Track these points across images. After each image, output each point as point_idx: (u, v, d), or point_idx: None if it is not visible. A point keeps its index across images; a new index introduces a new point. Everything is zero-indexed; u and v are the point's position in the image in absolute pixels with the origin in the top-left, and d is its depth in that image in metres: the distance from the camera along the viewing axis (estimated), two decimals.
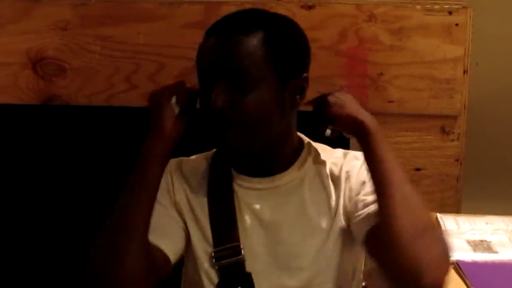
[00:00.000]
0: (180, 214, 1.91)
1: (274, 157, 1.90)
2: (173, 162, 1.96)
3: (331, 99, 1.84)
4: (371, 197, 1.80)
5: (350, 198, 1.89)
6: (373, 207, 1.77)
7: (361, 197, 1.85)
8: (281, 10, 2.71)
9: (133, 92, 2.84)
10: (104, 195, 3.01)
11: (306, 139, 2.01)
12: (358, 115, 1.82)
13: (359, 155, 1.88)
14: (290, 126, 1.91)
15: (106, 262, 1.74)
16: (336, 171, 1.94)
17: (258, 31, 1.79)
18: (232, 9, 2.72)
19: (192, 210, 1.92)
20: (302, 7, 2.80)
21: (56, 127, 3.01)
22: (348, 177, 1.92)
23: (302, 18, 2.74)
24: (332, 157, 1.98)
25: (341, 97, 1.86)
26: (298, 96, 1.87)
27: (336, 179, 1.93)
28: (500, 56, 3.20)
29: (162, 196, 1.87)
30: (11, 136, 3.04)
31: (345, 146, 2.18)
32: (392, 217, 1.65)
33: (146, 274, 1.73)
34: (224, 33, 1.80)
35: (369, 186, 1.81)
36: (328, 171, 1.94)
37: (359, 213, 1.82)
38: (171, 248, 1.86)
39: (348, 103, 1.85)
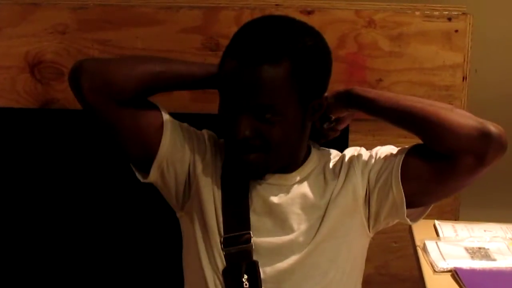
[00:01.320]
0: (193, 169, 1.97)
1: (287, 163, 1.93)
2: (211, 134, 2.03)
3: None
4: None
5: (362, 174, 1.95)
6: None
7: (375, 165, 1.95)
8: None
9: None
10: (102, 198, 3.02)
11: (312, 143, 2.04)
12: (341, 89, 1.97)
13: (359, 148, 2.02)
14: (306, 137, 1.94)
15: (106, 64, 1.89)
16: (338, 164, 2.00)
17: (285, 60, 1.76)
18: (231, 14, 2.75)
19: (202, 186, 1.95)
20: (301, 12, 2.79)
21: (54, 131, 3.00)
22: (351, 161, 1.98)
23: None
24: (333, 155, 2.04)
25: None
26: (317, 113, 1.88)
27: (337, 171, 1.98)
28: (499, 62, 3.19)
29: (193, 136, 1.99)
30: (9, 140, 3.03)
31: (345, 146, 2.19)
32: (434, 117, 1.84)
33: (133, 96, 1.87)
34: (250, 60, 1.76)
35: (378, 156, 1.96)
36: (330, 166, 1.99)
37: (382, 165, 1.94)
38: (169, 137, 1.94)
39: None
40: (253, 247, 1.86)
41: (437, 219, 2.55)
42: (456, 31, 2.78)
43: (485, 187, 3.22)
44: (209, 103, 2.45)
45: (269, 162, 1.83)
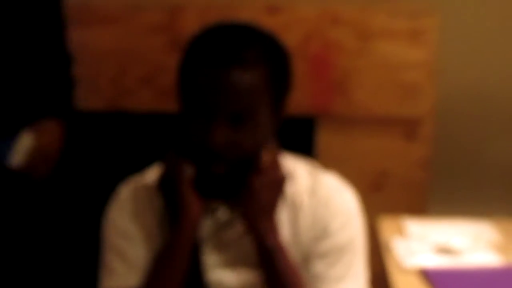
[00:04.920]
0: None
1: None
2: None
3: (255, 184, 1.67)
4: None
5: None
6: None
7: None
8: (245, 13, 2.70)
9: (94, 95, 2.81)
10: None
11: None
12: (261, 228, 1.68)
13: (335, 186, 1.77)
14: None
15: None
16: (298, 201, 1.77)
17: (260, 64, 1.69)
18: (195, 14, 2.73)
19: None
20: (266, 10, 2.79)
21: None
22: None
23: (266, 22, 2.71)
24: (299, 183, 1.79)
25: (263, 191, 1.68)
26: (284, 113, 1.79)
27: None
28: (466, 59, 3.19)
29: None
30: None
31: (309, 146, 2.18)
32: None
33: None
34: (222, 66, 1.63)
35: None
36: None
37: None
38: None
39: (265, 201, 1.69)
40: None
41: (405, 215, 2.55)
42: (422, 28, 2.79)
43: (453, 183, 3.25)
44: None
45: (240, 169, 1.73)
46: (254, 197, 1.66)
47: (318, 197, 1.72)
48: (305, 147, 2.90)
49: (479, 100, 3.25)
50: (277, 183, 1.68)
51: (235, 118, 1.63)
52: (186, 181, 1.69)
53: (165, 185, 1.72)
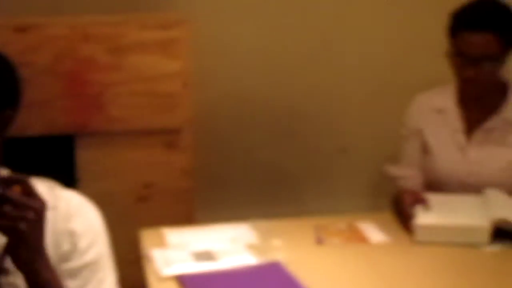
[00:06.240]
0: None
1: None
2: None
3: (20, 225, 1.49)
4: None
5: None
6: None
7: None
8: None
9: None
10: None
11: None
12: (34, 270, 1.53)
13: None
14: None
15: None
16: None
17: None
18: None
19: None
20: (15, 30, 2.73)
21: None
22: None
23: (15, 41, 2.68)
24: None
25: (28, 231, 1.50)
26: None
27: None
28: (223, 67, 3.28)
29: None
30: None
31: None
32: None
33: None
34: None
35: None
36: None
37: None
38: None
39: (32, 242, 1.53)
40: None
41: (171, 225, 2.56)
42: (174, 39, 2.83)
43: (219, 190, 3.33)
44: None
45: None
46: (19, 244, 1.50)
47: (59, 215, 1.68)
48: (66, 165, 2.87)
49: (240, 107, 3.35)
50: (38, 217, 1.51)
51: None
52: None
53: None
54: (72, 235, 1.69)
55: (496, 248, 2.35)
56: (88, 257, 1.70)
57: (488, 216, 2.38)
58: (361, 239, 2.43)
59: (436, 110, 2.75)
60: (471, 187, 2.66)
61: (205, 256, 2.24)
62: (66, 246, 1.67)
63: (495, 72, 2.59)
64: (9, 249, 1.51)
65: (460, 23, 2.58)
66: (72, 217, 1.69)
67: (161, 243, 2.37)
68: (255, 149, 3.42)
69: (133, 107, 2.85)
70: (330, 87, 3.45)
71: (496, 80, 2.64)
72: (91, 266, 1.71)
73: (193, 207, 3.00)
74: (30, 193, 1.50)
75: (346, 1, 3.37)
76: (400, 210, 2.55)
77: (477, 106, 2.69)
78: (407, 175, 2.76)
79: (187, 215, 2.97)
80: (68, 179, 2.83)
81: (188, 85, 2.89)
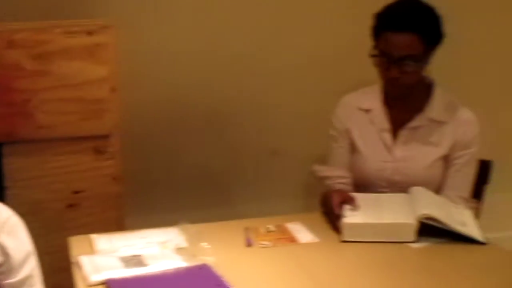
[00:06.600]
0: None
1: None
2: None
3: None
4: None
5: None
6: None
7: None
8: None
9: None
10: None
11: None
12: None
13: None
14: None
15: None
16: None
17: None
18: None
19: None
20: None
21: None
22: None
23: None
24: None
25: None
26: None
27: None
28: (149, 71, 3.27)
29: None
30: None
31: None
32: None
33: None
34: None
35: None
36: None
37: None
38: None
39: None
40: None
41: (102, 231, 2.54)
42: (99, 44, 2.81)
43: (149, 195, 3.32)
44: None
45: None
46: None
47: None
48: None
49: (168, 111, 3.35)
50: None
51: None
52: None
53: None
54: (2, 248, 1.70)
55: (422, 244, 2.39)
56: (23, 273, 1.71)
57: (414, 214, 2.42)
58: (290, 239, 2.45)
59: (363, 110, 2.80)
60: (398, 185, 2.71)
61: (134, 261, 2.23)
62: None
63: (419, 72, 2.64)
64: None
65: (383, 24, 2.62)
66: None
67: (90, 250, 2.36)
68: (185, 152, 3.42)
69: (61, 113, 2.82)
70: (260, 89, 3.47)
71: (420, 80, 2.69)
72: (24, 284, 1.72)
73: (123, 212, 2.99)
74: None
75: (274, 3, 3.39)
76: (329, 210, 2.58)
77: (402, 106, 2.74)
78: (335, 175, 2.80)
79: (118, 221, 2.95)
80: None
81: (115, 90, 2.87)
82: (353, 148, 2.81)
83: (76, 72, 2.81)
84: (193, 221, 2.49)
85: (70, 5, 3.02)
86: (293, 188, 3.60)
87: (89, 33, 2.80)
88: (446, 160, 2.73)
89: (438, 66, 2.70)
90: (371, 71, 2.66)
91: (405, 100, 2.73)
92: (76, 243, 2.42)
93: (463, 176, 2.74)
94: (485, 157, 2.92)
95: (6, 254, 1.74)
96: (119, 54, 2.88)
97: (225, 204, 3.49)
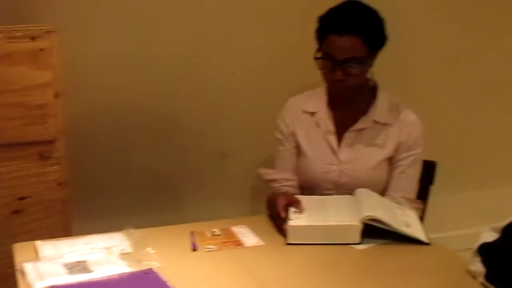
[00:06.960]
0: None
1: None
2: None
3: None
4: None
5: None
6: None
7: None
8: None
9: None
10: None
11: None
12: None
13: None
14: None
15: None
16: None
17: None
18: None
19: None
20: None
21: None
22: None
23: None
24: None
25: None
26: None
27: None
28: (94, 76, 3.26)
29: None
30: None
31: None
32: None
33: None
34: None
35: None
36: None
37: None
38: None
39: None
40: None
41: (49, 238, 2.52)
42: (42, 49, 2.79)
43: (95, 200, 3.31)
44: None
45: None
46: None
47: None
48: None
49: (115, 115, 3.33)
50: None
51: None
52: None
53: None
54: None
55: (367, 246, 2.41)
56: None
57: (358, 215, 2.44)
58: (236, 243, 2.46)
59: (308, 113, 2.81)
60: (344, 187, 2.73)
61: (79, 267, 2.22)
62: None
63: (363, 74, 2.66)
64: None
65: (327, 27, 2.64)
66: None
67: (35, 257, 2.34)
68: (131, 157, 3.41)
69: (4, 119, 2.79)
70: (207, 93, 3.47)
71: (364, 83, 2.71)
72: None
73: (70, 218, 2.97)
74: None
75: (218, 4, 3.39)
76: (274, 213, 2.59)
77: (346, 109, 2.76)
78: (282, 177, 2.81)
79: (64, 226, 2.93)
80: None
81: (59, 95, 2.85)
82: (299, 151, 2.82)
83: (19, 78, 2.78)
84: (141, 225, 2.49)
85: (12, 10, 3.00)
86: (241, 191, 3.61)
87: (32, 38, 2.78)
88: (391, 161, 2.76)
89: (381, 69, 2.73)
90: (316, 74, 2.68)
91: (350, 103, 2.75)
92: (20, 249, 2.39)
93: (408, 178, 2.77)
94: (430, 158, 2.95)
95: None
96: (63, 59, 2.85)
97: (173, 208, 3.49)
